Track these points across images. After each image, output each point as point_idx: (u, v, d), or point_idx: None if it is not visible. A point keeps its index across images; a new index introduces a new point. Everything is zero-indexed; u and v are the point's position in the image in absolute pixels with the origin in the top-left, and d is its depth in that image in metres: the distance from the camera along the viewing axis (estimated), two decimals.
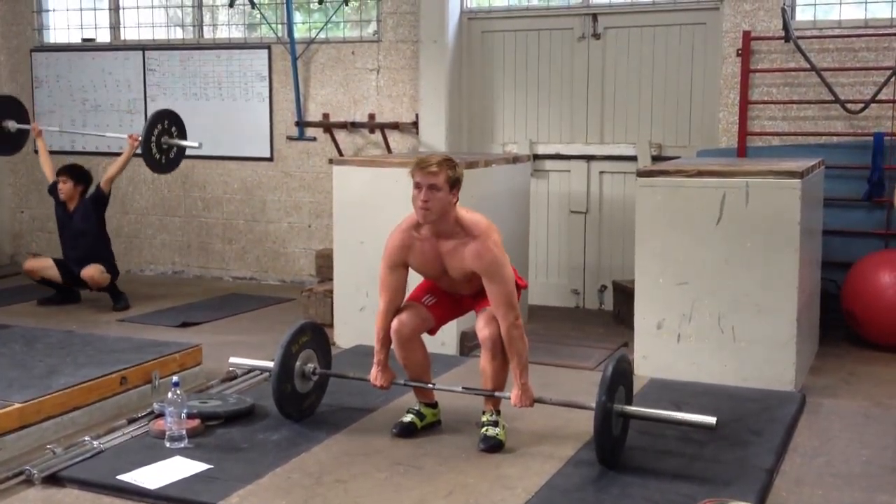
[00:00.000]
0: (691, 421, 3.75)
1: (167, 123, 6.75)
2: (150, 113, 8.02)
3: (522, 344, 3.84)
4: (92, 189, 6.82)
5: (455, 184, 3.76)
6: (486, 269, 3.80)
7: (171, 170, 7.01)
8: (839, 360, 5.39)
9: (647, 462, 3.76)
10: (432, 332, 4.17)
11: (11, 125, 7.02)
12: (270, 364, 4.13)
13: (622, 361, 3.78)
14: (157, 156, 6.73)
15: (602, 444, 3.60)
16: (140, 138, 6.64)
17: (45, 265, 6.94)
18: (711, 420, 3.63)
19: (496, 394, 3.93)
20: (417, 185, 3.75)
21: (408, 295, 4.11)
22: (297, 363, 4.13)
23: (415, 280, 4.13)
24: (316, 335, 4.26)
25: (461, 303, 4.15)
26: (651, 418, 3.83)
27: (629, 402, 3.81)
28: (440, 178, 3.71)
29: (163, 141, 6.70)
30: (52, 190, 6.88)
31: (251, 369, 4.69)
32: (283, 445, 3.93)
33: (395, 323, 4.00)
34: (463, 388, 4.10)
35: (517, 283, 3.94)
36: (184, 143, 6.83)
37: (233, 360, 4.54)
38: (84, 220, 6.77)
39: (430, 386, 4.12)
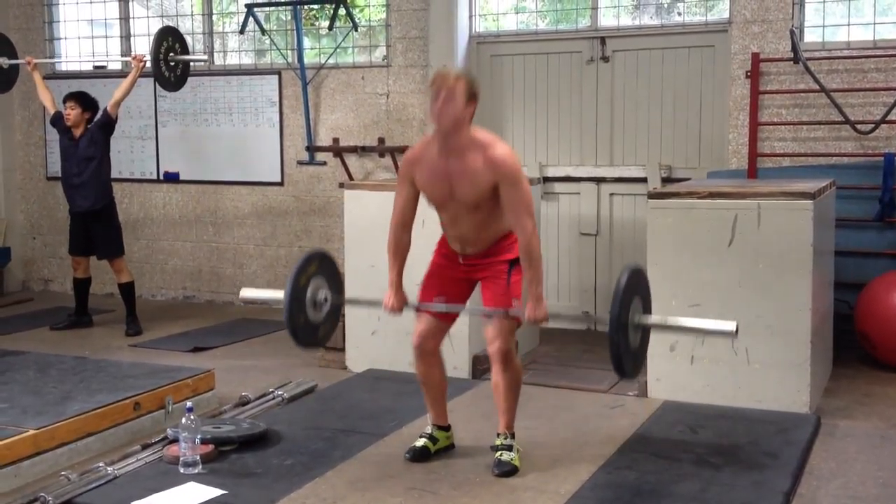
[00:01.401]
0: (710, 329, 3.71)
1: (171, 40, 6.79)
2: (161, 138, 8.13)
3: (538, 255, 3.76)
4: (99, 115, 6.78)
5: (472, 97, 3.74)
6: (504, 175, 3.71)
7: (180, 87, 7.02)
8: (853, 381, 5.36)
9: (663, 486, 3.74)
10: (450, 325, 4.11)
11: (3, 61, 7.08)
12: (281, 294, 3.94)
13: (636, 271, 3.69)
14: (167, 73, 6.78)
15: (619, 355, 3.52)
16: (145, 59, 6.70)
17: (78, 260, 6.93)
18: (731, 325, 3.55)
19: (510, 311, 3.83)
20: (435, 95, 3.73)
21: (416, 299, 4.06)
22: (308, 294, 3.95)
23: (413, 280, 4.10)
24: (324, 264, 4.08)
25: (465, 284, 4.02)
26: (668, 325, 3.81)
27: (647, 312, 3.72)
28: (457, 89, 3.69)
29: (170, 58, 6.74)
30: (56, 120, 6.86)
31: (262, 302, 4.47)
32: (297, 470, 3.93)
33: (415, 339, 4.00)
34: (484, 312, 3.95)
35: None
36: (190, 57, 6.94)
37: (244, 292, 4.38)
38: (90, 145, 6.72)
39: (442, 307, 3.95)
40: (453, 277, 4.02)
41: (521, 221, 3.73)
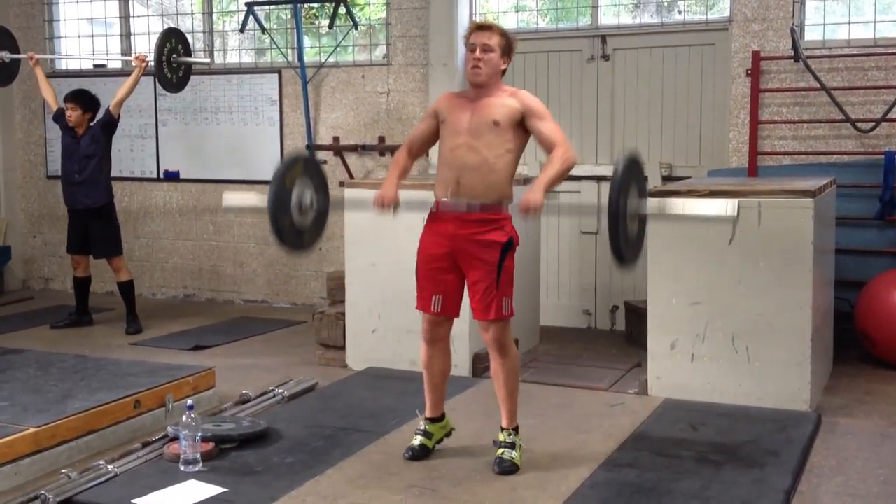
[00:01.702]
0: (706, 214, 3.74)
1: (174, 42, 6.80)
2: (161, 137, 8.13)
3: (568, 165, 3.80)
4: (101, 114, 6.78)
5: (507, 50, 3.83)
6: (532, 108, 3.83)
7: (182, 88, 7.06)
8: (854, 379, 5.37)
9: (663, 484, 3.74)
10: (457, 315, 4.07)
11: (5, 55, 7.09)
12: (265, 200, 3.86)
13: (633, 159, 3.72)
14: (169, 75, 6.80)
15: (616, 242, 3.57)
16: (148, 59, 6.73)
17: (78, 259, 6.93)
18: (723, 205, 3.56)
19: (504, 202, 3.85)
20: (472, 47, 3.80)
21: (417, 304, 4.05)
22: (293, 198, 3.88)
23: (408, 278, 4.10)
24: (309, 166, 4.03)
25: (456, 270, 3.92)
26: (665, 211, 3.91)
27: (643, 197, 3.77)
28: (494, 40, 3.78)
29: (172, 59, 6.75)
30: (58, 117, 6.86)
31: (246, 208, 4.37)
32: (298, 468, 3.92)
33: (425, 335, 4.01)
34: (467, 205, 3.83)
35: (513, 238, 3.89)
36: (193, 60, 6.94)
37: (226, 199, 4.34)
38: (92, 143, 6.73)
39: (446, 199, 3.85)
40: (443, 267, 3.91)
41: (560, 148, 3.78)
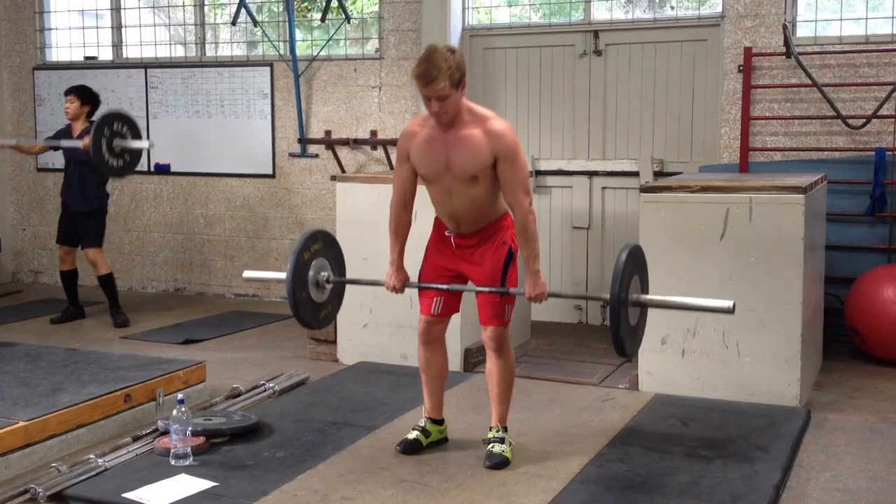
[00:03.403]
0: (707, 306, 3.72)
1: (118, 126, 6.32)
2: (152, 130, 8.09)
3: (535, 232, 3.77)
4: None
5: (459, 80, 3.66)
6: (502, 149, 3.69)
7: (130, 173, 6.66)
8: (843, 375, 5.39)
9: (653, 479, 3.75)
10: (456, 311, 4.11)
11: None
12: (283, 275, 3.94)
13: (636, 250, 3.70)
14: (112, 161, 6.23)
15: (619, 334, 3.54)
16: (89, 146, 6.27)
17: (64, 251, 6.91)
18: (728, 303, 3.57)
19: (511, 290, 3.83)
20: (426, 99, 3.69)
21: (419, 306, 4.08)
22: (311, 272, 3.95)
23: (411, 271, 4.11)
24: (327, 243, 4.08)
25: (462, 277, 4.00)
26: (667, 306, 3.81)
27: (645, 292, 3.74)
28: (443, 85, 3.60)
29: (114, 144, 6.24)
30: (56, 136, 6.84)
31: (265, 280, 4.46)
32: (289, 462, 3.92)
33: (420, 325, 4.02)
34: (476, 287, 3.91)
35: (511, 246, 3.93)
36: (134, 144, 6.33)
37: (247, 273, 4.41)
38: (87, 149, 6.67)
39: (444, 287, 3.92)
40: (447, 277, 4.00)
41: (518, 198, 3.73)
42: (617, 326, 3.53)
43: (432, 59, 3.62)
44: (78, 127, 6.75)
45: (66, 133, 6.81)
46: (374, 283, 4.15)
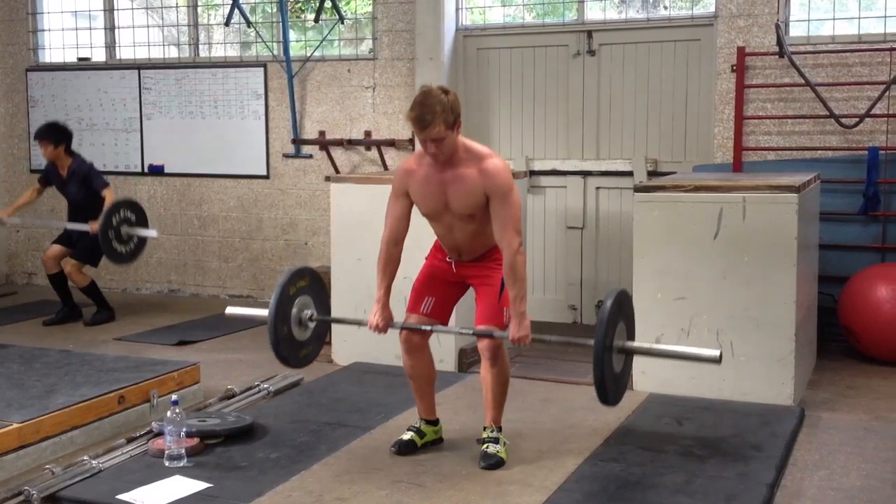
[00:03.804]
0: (694, 354, 3.68)
1: (127, 212, 6.53)
2: (145, 131, 8.08)
3: (524, 272, 3.76)
4: (85, 168, 6.76)
5: (454, 120, 3.68)
6: (495, 188, 3.72)
7: (134, 260, 6.78)
8: (837, 373, 5.40)
9: (648, 478, 3.75)
10: (445, 323, 4.11)
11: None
12: (266, 312, 3.94)
13: (622, 295, 3.68)
14: (119, 248, 6.46)
15: (602, 380, 3.51)
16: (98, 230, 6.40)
17: (57, 250, 6.91)
18: (715, 352, 3.57)
19: (495, 333, 3.82)
20: (423, 142, 3.72)
21: (407, 304, 4.08)
22: (294, 309, 3.95)
23: (409, 284, 4.11)
24: (314, 282, 4.08)
25: (458, 286, 4.05)
26: (652, 353, 3.77)
27: (631, 338, 3.73)
28: (439, 129, 3.63)
29: (123, 231, 6.47)
30: (45, 174, 6.88)
31: (248, 317, 4.49)
32: (283, 464, 3.92)
33: (403, 333, 4.00)
34: (461, 328, 3.95)
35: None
36: (141, 232, 6.56)
37: (230, 310, 4.41)
38: (79, 191, 6.76)
39: (427, 328, 3.96)
40: (446, 280, 4.04)
41: (508, 237, 3.73)
42: (601, 374, 3.50)
43: (427, 102, 3.66)
44: (64, 164, 6.78)
45: (54, 173, 6.84)
46: (357, 323, 4.11)
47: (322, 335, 4.17)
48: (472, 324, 4.06)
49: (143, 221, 6.63)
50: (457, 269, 4.01)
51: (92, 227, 6.51)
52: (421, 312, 4.03)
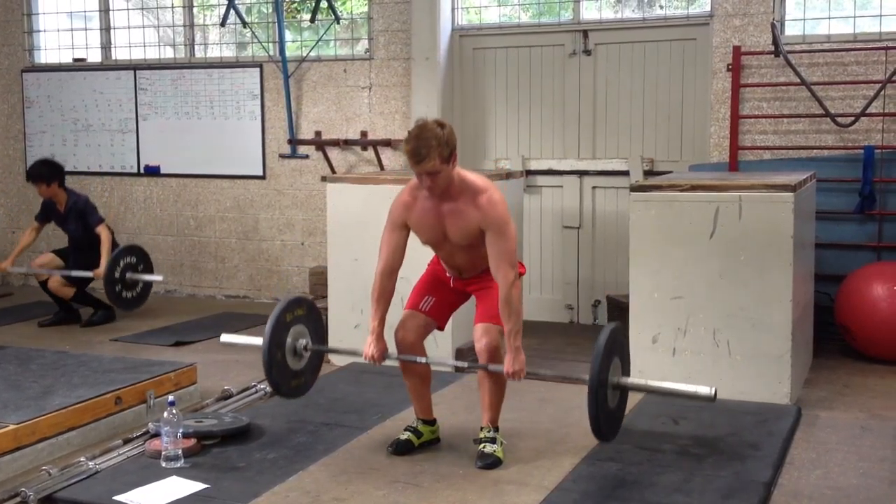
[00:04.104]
0: (689, 392, 3.68)
1: (132, 259, 6.58)
2: (141, 131, 8.07)
3: (519, 306, 3.77)
4: (81, 204, 6.78)
5: (450, 154, 3.68)
6: (491, 223, 3.73)
7: (139, 306, 6.81)
8: (834, 372, 5.40)
9: (645, 477, 3.75)
10: (441, 328, 4.14)
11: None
12: (261, 340, 3.95)
13: (616, 331, 3.69)
14: (124, 293, 6.55)
15: (597, 417, 3.52)
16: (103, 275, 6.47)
17: (49, 259, 6.92)
18: (709, 390, 3.58)
19: (489, 367, 3.83)
20: (418, 174, 3.72)
21: (405, 303, 4.09)
22: (288, 339, 3.96)
23: (408, 287, 4.12)
24: (310, 312, 4.09)
25: (460, 293, 4.09)
26: (647, 390, 3.78)
27: (626, 374, 3.74)
28: (434, 163, 3.63)
29: (127, 277, 6.53)
30: (43, 212, 6.88)
31: (244, 344, 4.52)
32: (281, 464, 3.92)
33: (399, 333, 3.99)
34: (455, 360, 4.01)
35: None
36: (146, 277, 6.62)
37: (224, 337, 4.42)
38: (77, 228, 6.78)
39: (422, 360, 3.98)
40: (447, 287, 4.07)
41: (503, 270, 3.73)
42: (595, 409, 3.51)
43: (422, 136, 3.64)
44: (61, 200, 6.80)
45: (53, 210, 6.86)
46: (352, 353, 4.10)
47: (316, 368, 4.17)
48: (469, 327, 4.07)
49: (146, 264, 6.65)
50: (458, 285, 4.06)
51: (96, 273, 6.57)
52: (419, 309, 4.03)
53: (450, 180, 3.76)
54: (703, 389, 3.60)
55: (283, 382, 3.99)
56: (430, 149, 3.63)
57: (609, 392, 3.60)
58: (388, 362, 4.95)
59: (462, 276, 4.01)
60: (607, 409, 3.60)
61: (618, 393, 3.68)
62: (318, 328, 4.15)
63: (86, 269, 6.65)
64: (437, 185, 3.73)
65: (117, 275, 6.43)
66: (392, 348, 4.01)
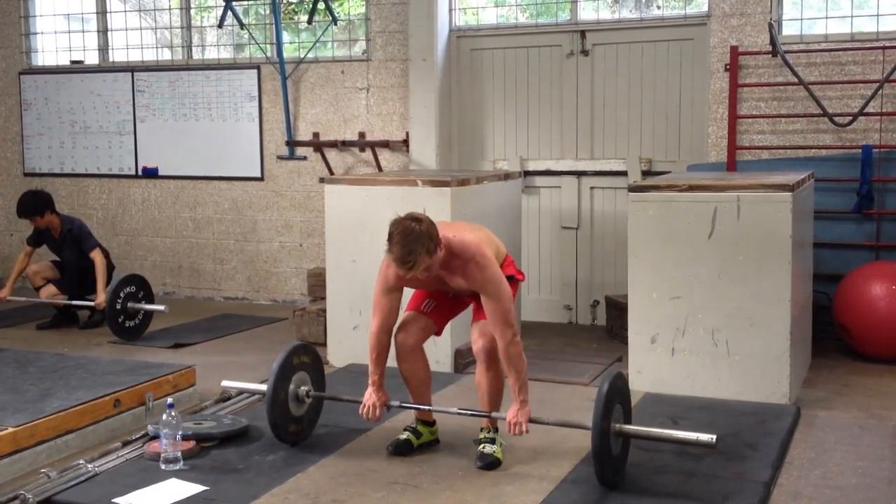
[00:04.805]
0: (691, 440, 3.69)
1: (132, 288, 6.53)
2: (139, 133, 8.07)
3: (521, 361, 3.80)
4: (76, 230, 6.79)
5: (434, 248, 3.64)
6: (483, 287, 3.77)
7: (141, 335, 6.64)
8: (832, 371, 5.41)
9: (644, 478, 3.75)
10: (438, 333, 4.16)
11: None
12: (264, 387, 4.08)
13: (618, 379, 3.74)
14: (126, 322, 6.45)
15: (602, 464, 3.56)
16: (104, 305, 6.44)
17: (43, 266, 6.92)
18: (711, 438, 3.61)
19: (493, 414, 3.91)
20: (410, 278, 3.73)
21: (406, 304, 4.09)
22: (291, 386, 4.06)
23: (408, 293, 4.12)
24: (309, 357, 4.20)
25: (461, 300, 4.11)
26: (650, 437, 3.80)
27: (628, 421, 3.77)
28: (423, 265, 3.63)
29: (129, 306, 6.47)
30: (36, 236, 6.89)
31: (244, 392, 4.65)
32: (279, 466, 3.91)
33: (399, 335, 4.00)
34: (458, 409, 4.05)
35: (515, 276, 3.96)
36: (148, 307, 6.56)
37: (225, 383, 4.51)
38: (72, 254, 6.81)
39: (426, 408, 4.07)
40: (445, 294, 4.06)
41: (499, 330, 3.76)
42: (599, 455, 3.53)
43: (405, 244, 3.59)
44: (56, 226, 6.80)
45: (48, 237, 6.85)
46: (353, 402, 4.13)
47: (313, 420, 4.24)
48: (467, 331, 4.09)
49: (147, 292, 6.61)
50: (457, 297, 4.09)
51: (97, 304, 6.58)
52: (421, 310, 4.05)
53: (440, 261, 3.73)
54: (705, 437, 3.62)
55: (281, 424, 4.05)
56: (417, 255, 3.59)
57: (612, 440, 3.60)
58: (387, 362, 4.96)
59: (462, 293, 4.04)
60: (610, 457, 3.62)
61: (620, 440, 3.69)
62: (320, 379, 4.24)
63: (83, 291, 6.69)
64: (430, 273, 3.73)
65: (119, 306, 6.39)
66: (397, 395, 4.08)
